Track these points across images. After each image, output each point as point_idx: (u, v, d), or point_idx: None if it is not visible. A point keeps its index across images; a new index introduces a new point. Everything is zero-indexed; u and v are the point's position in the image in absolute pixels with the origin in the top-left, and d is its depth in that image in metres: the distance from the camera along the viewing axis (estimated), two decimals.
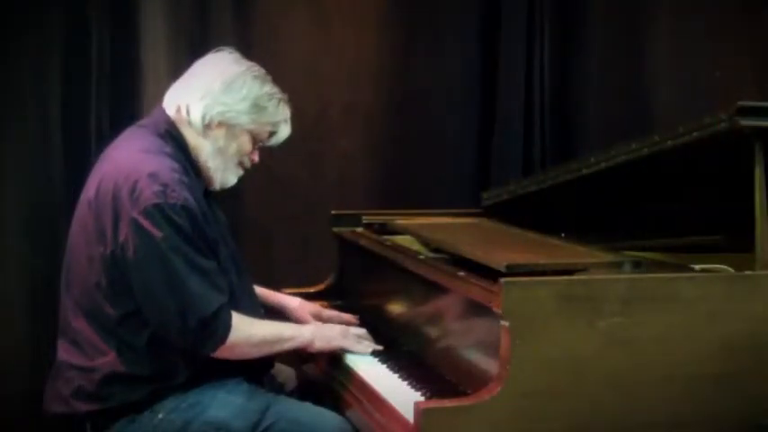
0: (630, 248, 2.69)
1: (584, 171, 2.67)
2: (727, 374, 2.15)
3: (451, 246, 2.60)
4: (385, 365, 2.46)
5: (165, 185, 2.25)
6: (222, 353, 2.29)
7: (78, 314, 2.35)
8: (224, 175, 2.46)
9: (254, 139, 2.46)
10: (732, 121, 2.20)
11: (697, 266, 2.32)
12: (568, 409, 2.05)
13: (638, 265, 2.32)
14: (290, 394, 2.62)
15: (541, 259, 2.33)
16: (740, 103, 2.20)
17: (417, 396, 2.22)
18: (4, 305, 3.31)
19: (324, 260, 3.31)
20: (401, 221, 3.04)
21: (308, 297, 3.02)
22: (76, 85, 3.33)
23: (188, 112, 2.40)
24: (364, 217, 3.15)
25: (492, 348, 2.07)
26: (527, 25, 3.81)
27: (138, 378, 2.29)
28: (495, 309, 2.03)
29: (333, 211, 3.18)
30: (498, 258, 2.26)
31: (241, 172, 2.51)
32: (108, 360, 2.29)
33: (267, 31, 3.58)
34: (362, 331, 2.61)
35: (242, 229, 3.48)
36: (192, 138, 2.42)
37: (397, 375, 2.38)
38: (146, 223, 2.22)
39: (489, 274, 2.19)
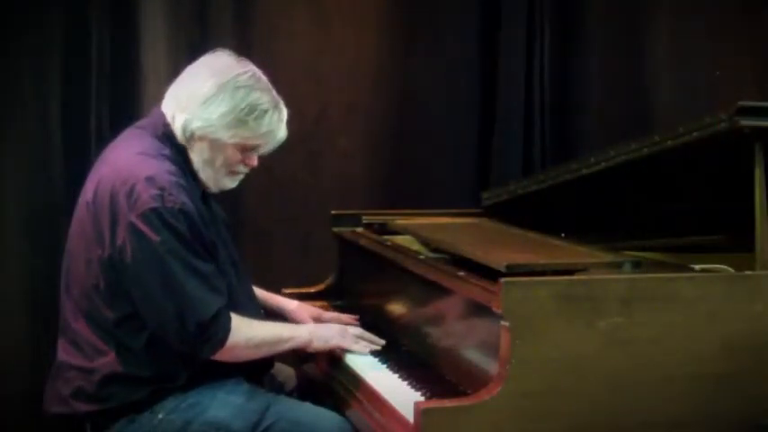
0: (630, 248, 2.69)
1: (584, 171, 2.68)
2: (727, 374, 2.15)
3: (451, 246, 2.60)
4: (385, 365, 2.46)
5: (163, 189, 2.24)
6: (222, 355, 2.29)
7: (78, 315, 2.34)
8: (217, 182, 2.42)
9: (243, 149, 2.39)
10: (732, 121, 2.20)
11: (697, 266, 2.32)
12: (568, 409, 2.05)
13: (637, 265, 2.32)
14: (290, 394, 2.63)
15: (541, 259, 2.33)
16: (740, 103, 2.20)
17: (417, 396, 2.22)
18: (4, 305, 3.32)
19: (324, 260, 3.31)
20: (401, 221, 3.04)
21: (308, 297, 3.03)
22: (76, 85, 3.34)
23: (173, 122, 2.37)
24: (364, 217, 3.15)
25: (492, 348, 2.07)
26: (527, 25, 3.81)
27: (137, 379, 2.29)
28: (495, 309, 2.03)
29: (333, 211, 3.18)
30: (498, 258, 2.26)
31: (239, 177, 2.46)
32: (107, 361, 2.29)
33: (267, 31, 3.58)
34: (361, 331, 2.61)
35: (242, 230, 3.49)
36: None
37: (397, 375, 2.38)
38: (143, 227, 2.21)
39: (489, 274, 2.19)
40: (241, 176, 2.47)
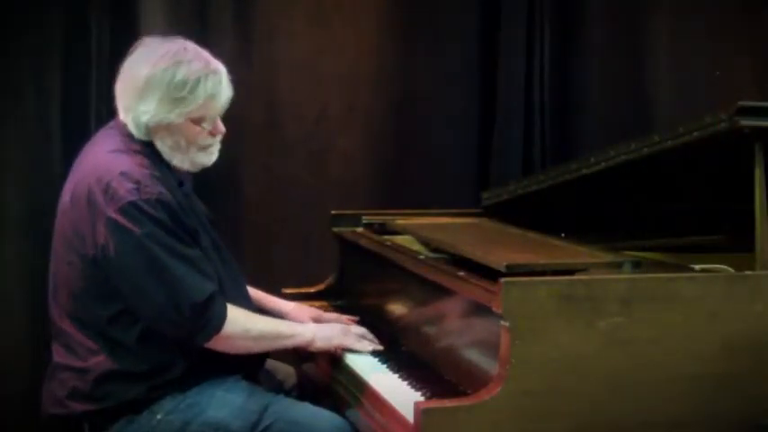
0: (630, 248, 2.69)
1: (584, 171, 2.67)
2: (727, 374, 2.15)
3: (451, 246, 2.60)
4: (385, 365, 2.46)
5: (138, 182, 2.25)
6: (219, 344, 2.29)
7: (66, 318, 2.35)
8: (194, 162, 2.41)
9: (198, 122, 2.37)
10: (732, 121, 2.20)
11: (697, 266, 2.32)
12: (568, 408, 2.05)
13: (637, 265, 2.32)
14: (289, 392, 2.63)
15: (541, 259, 2.33)
16: (740, 103, 2.20)
17: (417, 396, 2.22)
18: (4, 305, 3.32)
19: (324, 260, 3.31)
20: (401, 221, 3.04)
21: (308, 297, 3.03)
22: (76, 85, 3.34)
23: (128, 123, 2.38)
24: (364, 217, 3.15)
25: (492, 348, 2.07)
26: (527, 25, 3.80)
27: (132, 375, 2.29)
28: (494, 309, 2.03)
29: (333, 211, 3.18)
30: (498, 258, 2.26)
31: (213, 150, 2.43)
32: (100, 359, 2.29)
33: (267, 30, 3.57)
34: (364, 330, 2.61)
35: (242, 230, 3.48)
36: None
37: (397, 375, 2.38)
38: (123, 221, 2.22)
39: (489, 274, 2.19)
40: (216, 149, 2.44)
